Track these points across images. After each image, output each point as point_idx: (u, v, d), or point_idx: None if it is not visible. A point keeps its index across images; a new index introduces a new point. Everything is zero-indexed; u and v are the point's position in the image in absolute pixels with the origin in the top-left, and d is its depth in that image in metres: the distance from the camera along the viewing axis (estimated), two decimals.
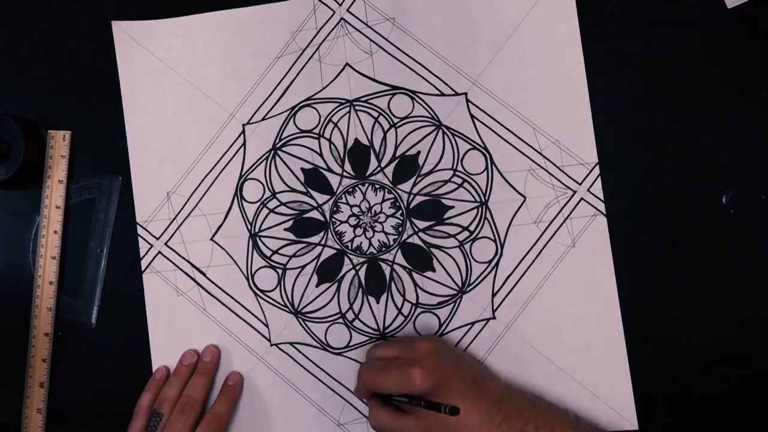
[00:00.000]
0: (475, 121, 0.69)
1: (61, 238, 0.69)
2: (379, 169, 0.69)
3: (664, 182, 0.68)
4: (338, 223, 0.69)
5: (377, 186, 0.69)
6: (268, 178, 0.69)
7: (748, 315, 0.67)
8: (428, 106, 0.69)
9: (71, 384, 0.69)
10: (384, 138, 0.69)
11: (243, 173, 0.69)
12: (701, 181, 0.68)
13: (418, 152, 0.69)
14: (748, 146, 0.68)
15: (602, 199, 0.68)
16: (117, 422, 0.66)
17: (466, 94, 0.69)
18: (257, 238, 0.69)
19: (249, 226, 0.69)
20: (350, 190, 0.69)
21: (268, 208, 0.69)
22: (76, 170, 0.70)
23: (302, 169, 0.69)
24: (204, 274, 0.69)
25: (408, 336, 0.67)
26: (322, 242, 0.69)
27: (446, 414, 0.52)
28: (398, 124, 0.69)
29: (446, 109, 0.69)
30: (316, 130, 0.69)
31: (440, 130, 0.69)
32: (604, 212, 0.68)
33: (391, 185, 0.69)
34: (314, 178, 0.69)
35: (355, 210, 0.69)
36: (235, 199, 0.69)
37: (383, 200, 0.69)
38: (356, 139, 0.69)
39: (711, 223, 0.67)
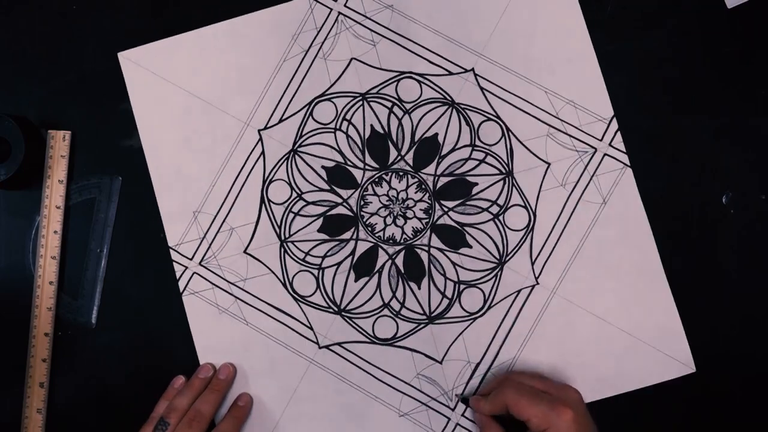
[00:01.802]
0: (486, 94, 0.69)
1: (61, 238, 0.68)
2: (399, 157, 0.69)
3: (664, 182, 0.68)
4: (368, 216, 0.69)
5: (401, 173, 0.69)
6: (292, 179, 0.69)
7: (748, 314, 0.67)
8: (438, 86, 0.69)
9: (71, 384, 0.68)
10: (400, 125, 0.69)
11: (266, 177, 0.69)
12: (701, 181, 0.68)
13: (436, 134, 0.69)
14: (748, 146, 0.68)
15: (625, 151, 0.68)
16: (117, 422, 0.67)
17: (473, 69, 0.69)
18: (288, 244, 0.69)
19: (278, 232, 0.69)
20: (376, 180, 0.69)
21: (293, 212, 0.69)
22: (76, 170, 0.70)
23: (323, 167, 0.69)
24: (242, 288, 0.69)
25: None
26: (354, 237, 0.69)
27: None
28: (411, 110, 0.69)
29: (457, 87, 0.69)
30: (333, 125, 0.69)
31: (454, 109, 0.69)
32: (629, 164, 0.68)
33: (413, 171, 0.69)
34: (337, 175, 0.69)
35: (384, 200, 0.69)
36: (263, 206, 0.69)
37: (408, 186, 0.69)
38: (372, 129, 0.69)
39: (711, 223, 0.67)
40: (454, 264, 0.68)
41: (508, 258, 0.68)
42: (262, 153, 0.69)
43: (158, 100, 0.70)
